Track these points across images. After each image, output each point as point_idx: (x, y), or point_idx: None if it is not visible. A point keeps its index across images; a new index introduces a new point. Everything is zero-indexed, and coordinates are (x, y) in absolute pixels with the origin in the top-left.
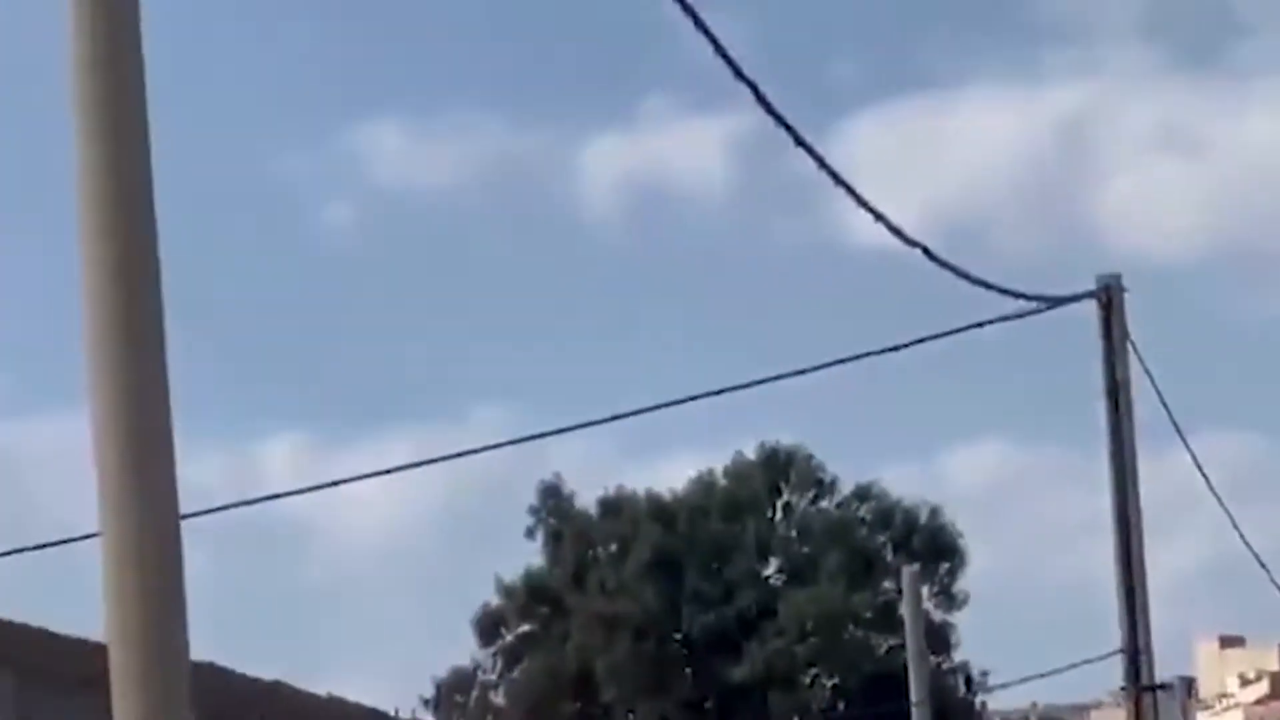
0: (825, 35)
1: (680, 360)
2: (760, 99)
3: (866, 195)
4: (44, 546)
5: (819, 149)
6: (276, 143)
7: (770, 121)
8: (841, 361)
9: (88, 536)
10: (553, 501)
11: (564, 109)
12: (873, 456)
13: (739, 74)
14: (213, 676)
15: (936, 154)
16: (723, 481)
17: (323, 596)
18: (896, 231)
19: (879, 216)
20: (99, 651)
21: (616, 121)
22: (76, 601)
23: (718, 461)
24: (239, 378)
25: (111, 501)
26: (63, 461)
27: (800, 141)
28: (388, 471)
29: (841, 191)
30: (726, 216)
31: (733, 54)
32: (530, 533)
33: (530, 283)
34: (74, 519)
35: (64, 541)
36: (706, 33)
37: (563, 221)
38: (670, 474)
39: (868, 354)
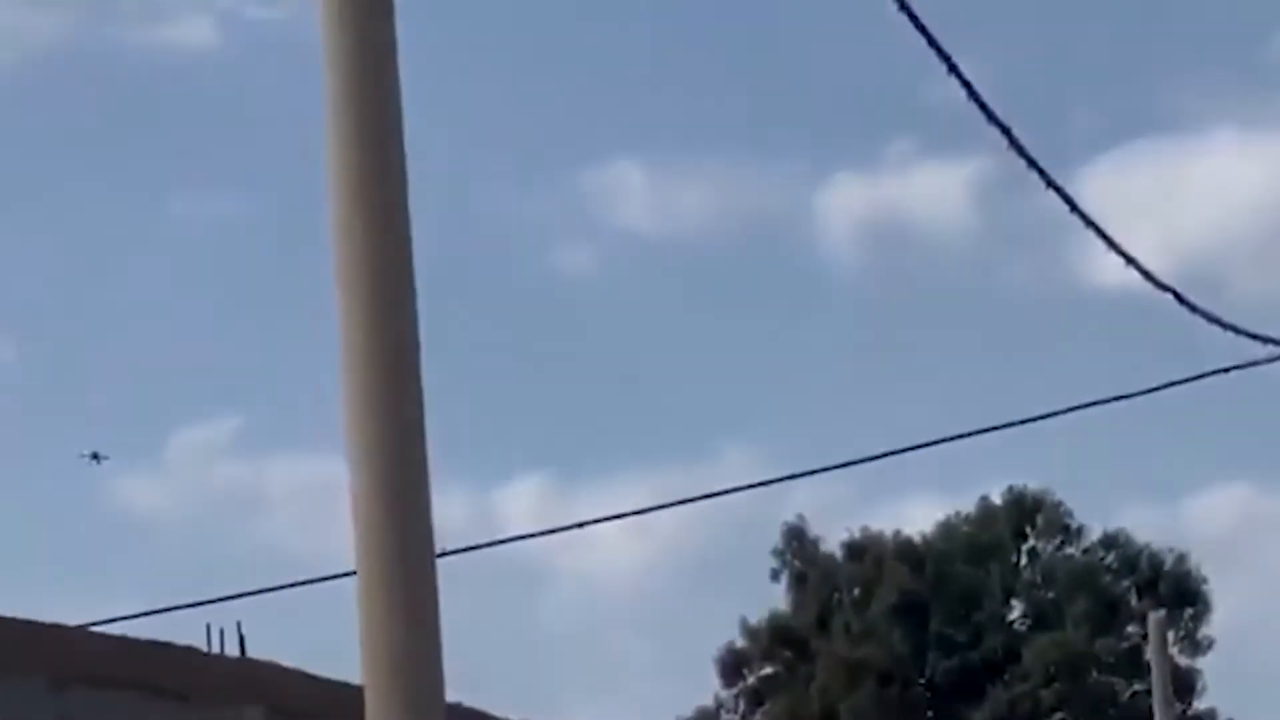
0: (1065, 77)
1: (922, 402)
2: (1012, 142)
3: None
4: (294, 585)
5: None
6: (518, 184)
7: (1011, 164)
8: (1090, 405)
9: (341, 575)
10: (797, 543)
11: (806, 151)
12: (1115, 500)
13: (991, 117)
14: (462, 718)
15: (1177, 198)
16: (967, 525)
17: (564, 637)
18: (1148, 275)
19: (1130, 260)
20: (354, 692)
21: (858, 164)
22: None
23: (961, 505)
24: (480, 419)
25: (368, 542)
26: (297, 501)
27: (1051, 184)
28: (634, 513)
29: (1083, 234)
30: (966, 259)
31: (970, 97)
32: (775, 575)
33: (772, 324)
34: (310, 558)
35: (314, 581)
36: (959, 77)
37: (804, 263)
38: (913, 517)
39: (1117, 398)
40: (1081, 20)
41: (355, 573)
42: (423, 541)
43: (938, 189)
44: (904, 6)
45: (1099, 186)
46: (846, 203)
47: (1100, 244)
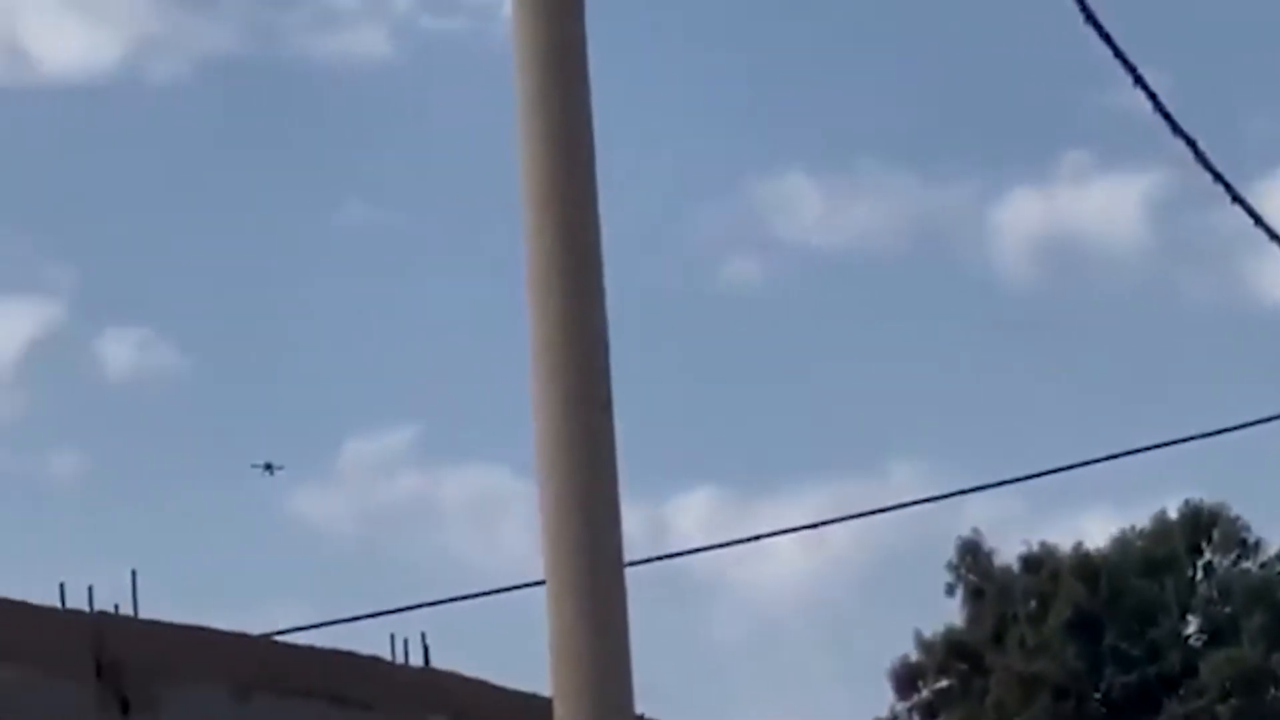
0: (1238, 86)
1: (1095, 416)
2: (1198, 154)
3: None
4: (480, 595)
5: (1231, 206)
6: (686, 195)
7: (1189, 177)
8: (1265, 421)
9: (528, 585)
10: (972, 558)
11: (980, 164)
12: None
13: (1177, 129)
14: None
15: None
16: (1142, 540)
17: (738, 649)
18: None
19: None
20: (539, 703)
21: (1032, 177)
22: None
23: (1136, 519)
24: (652, 431)
25: (558, 553)
26: (473, 511)
27: (1237, 198)
28: (809, 526)
29: (1261, 249)
30: (1142, 273)
31: (1151, 111)
32: (950, 589)
33: (944, 337)
34: (483, 568)
35: (500, 590)
36: (1145, 88)
37: (977, 277)
38: (1087, 531)
39: None
40: (1253, 29)
41: (543, 583)
42: (613, 552)
43: (1113, 202)
44: (1089, 16)
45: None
46: (1020, 216)
47: (1275, 257)
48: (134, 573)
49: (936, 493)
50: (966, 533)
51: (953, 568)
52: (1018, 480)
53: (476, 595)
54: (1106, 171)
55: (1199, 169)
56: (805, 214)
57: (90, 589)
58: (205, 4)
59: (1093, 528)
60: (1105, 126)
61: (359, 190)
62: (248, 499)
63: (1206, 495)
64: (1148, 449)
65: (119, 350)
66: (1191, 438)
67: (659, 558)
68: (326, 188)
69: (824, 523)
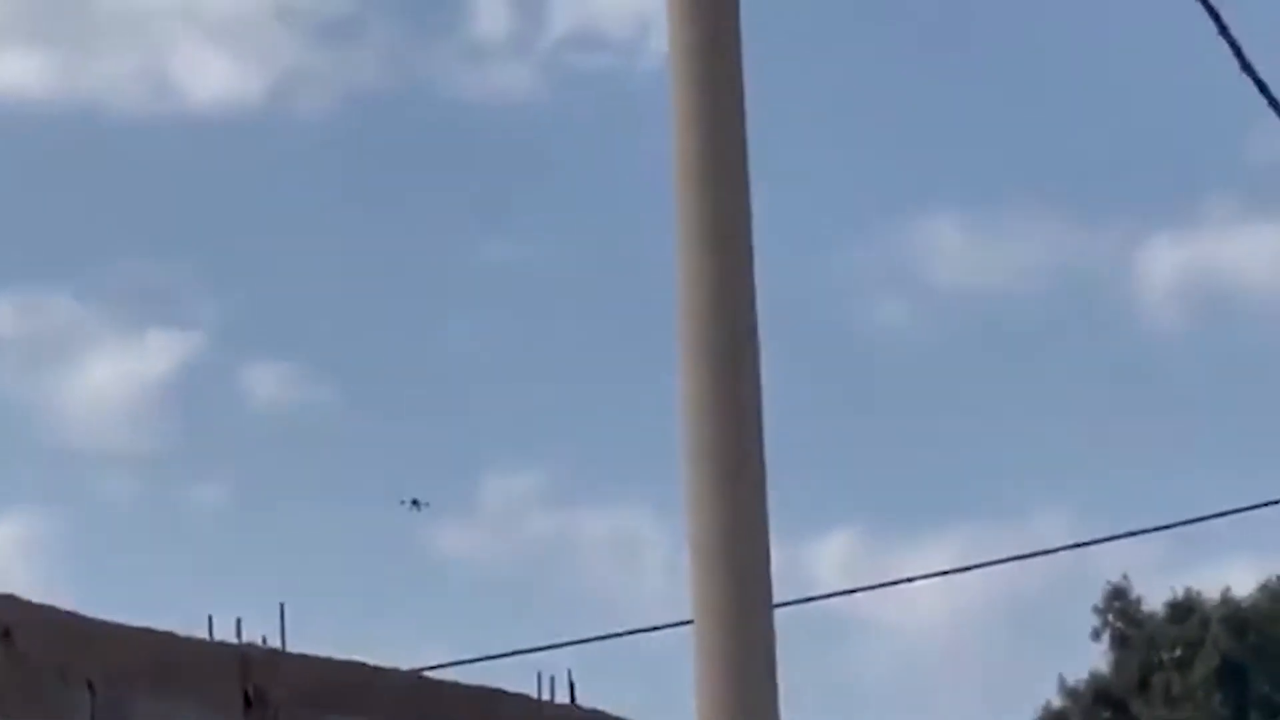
0: None
1: (1241, 464)
2: None
3: None
4: (627, 634)
5: None
6: (835, 234)
7: None
8: None
9: (676, 625)
10: (1119, 604)
11: (1126, 208)
12: None
13: None
14: None
15: None
16: None
17: (877, 692)
18: None
19: None
20: None
21: (1179, 222)
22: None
23: (1277, 569)
24: (790, 472)
25: (706, 593)
26: (610, 551)
27: None
28: (954, 571)
29: None
30: None
31: None
32: (1096, 634)
33: (1089, 384)
34: (622, 607)
35: (647, 630)
36: None
37: (1122, 323)
38: (1232, 578)
39: None
40: None
41: (691, 622)
42: (761, 593)
43: (1262, 248)
44: (1243, 61)
45: None
46: (1167, 262)
47: None
48: (282, 606)
49: (1077, 537)
50: (1108, 578)
51: (1099, 612)
52: (1165, 528)
53: (623, 634)
54: (1255, 218)
55: None
56: (952, 256)
57: (239, 621)
58: (350, 38)
59: (1238, 575)
60: (1255, 172)
61: (502, 227)
62: (391, 533)
63: None
64: None
65: (262, 383)
66: None
67: (805, 599)
68: (470, 224)
69: (970, 567)
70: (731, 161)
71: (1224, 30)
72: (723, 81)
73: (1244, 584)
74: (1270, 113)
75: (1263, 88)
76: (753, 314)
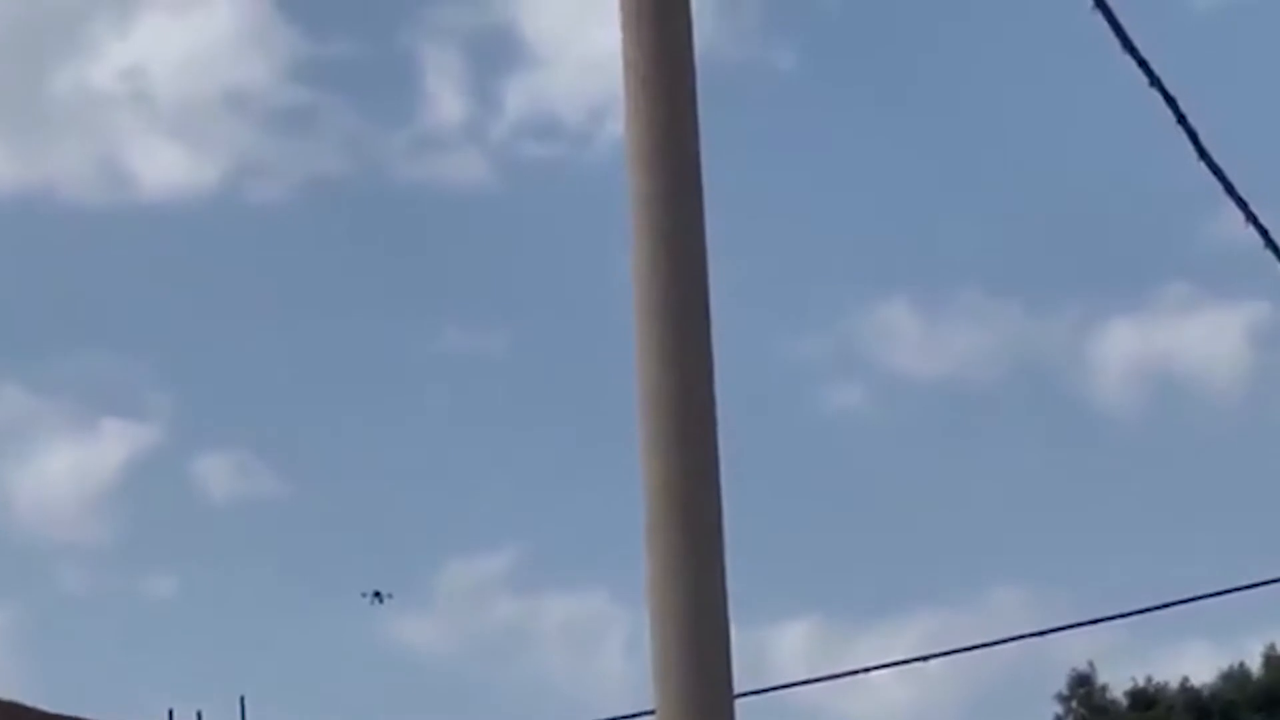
0: None
1: (1194, 551)
2: None
3: None
4: None
5: None
6: (787, 322)
7: None
8: None
9: (639, 715)
10: (1083, 690)
11: (1079, 293)
12: None
13: None
14: None
15: None
16: (1253, 676)
17: None
18: None
19: None
20: None
21: (1132, 307)
22: None
23: (1242, 655)
24: (748, 560)
25: (667, 684)
26: (567, 639)
27: None
28: (915, 660)
29: None
30: (1241, 406)
31: (1253, 241)
32: None
33: (1046, 469)
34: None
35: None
36: (1257, 224)
37: (1076, 409)
38: (1190, 666)
39: None
40: None
41: (653, 713)
42: (722, 684)
43: (1215, 333)
44: (1203, 153)
45: None
46: (1121, 347)
47: None
48: (242, 699)
49: (1038, 623)
50: (1072, 664)
51: (1063, 700)
52: (1125, 616)
53: None
54: (1207, 302)
55: None
56: (908, 341)
57: (199, 715)
58: (304, 126)
59: (1194, 662)
60: (1206, 257)
61: (457, 317)
62: (347, 625)
63: None
64: (1251, 586)
65: (216, 474)
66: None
67: (766, 689)
68: (425, 314)
69: (930, 656)
70: (691, 251)
71: (1182, 119)
72: (681, 171)
73: (1203, 671)
74: (1225, 199)
75: (1219, 174)
76: (713, 400)
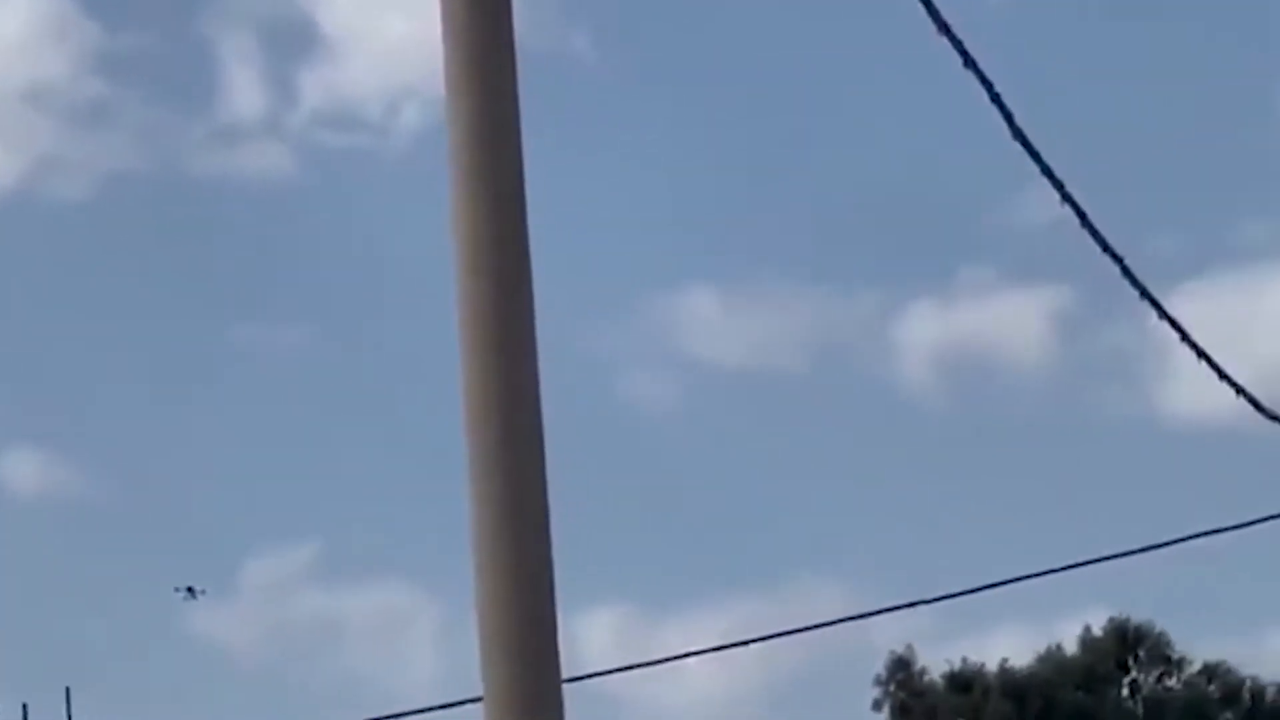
0: (1145, 209)
1: (1003, 534)
2: (1125, 271)
3: (1185, 369)
4: (416, 712)
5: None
6: (587, 309)
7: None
8: (1189, 538)
9: (468, 701)
10: (901, 675)
11: (883, 278)
12: (1209, 634)
13: (1106, 247)
14: None
15: (1257, 329)
16: (1069, 656)
17: None
18: (1259, 406)
19: (1240, 390)
20: None
21: (933, 291)
22: None
23: (1056, 636)
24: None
25: (495, 671)
26: (377, 631)
27: (1164, 314)
28: (728, 646)
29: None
30: (1046, 389)
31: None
32: (877, 705)
33: (851, 454)
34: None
35: (437, 708)
36: (1074, 205)
37: (879, 393)
38: (1006, 647)
39: (1216, 530)
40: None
41: (480, 699)
42: (551, 671)
43: (1018, 317)
44: (1017, 132)
45: (1183, 317)
46: (924, 331)
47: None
48: (68, 690)
49: (851, 608)
50: (890, 648)
51: (881, 683)
52: (930, 601)
53: (409, 714)
54: (1008, 287)
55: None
56: (707, 329)
57: (25, 707)
58: (104, 121)
59: (1010, 645)
60: (1006, 242)
61: (260, 310)
62: (159, 619)
63: (1119, 611)
64: (1070, 567)
65: (19, 470)
66: (1116, 555)
67: (580, 677)
68: (224, 307)
69: (744, 642)
70: (512, 240)
71: (996, 98)
72: (501, 164)
73: (1021, 653)
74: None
75: (1033, 152)
76: (536, 388)
